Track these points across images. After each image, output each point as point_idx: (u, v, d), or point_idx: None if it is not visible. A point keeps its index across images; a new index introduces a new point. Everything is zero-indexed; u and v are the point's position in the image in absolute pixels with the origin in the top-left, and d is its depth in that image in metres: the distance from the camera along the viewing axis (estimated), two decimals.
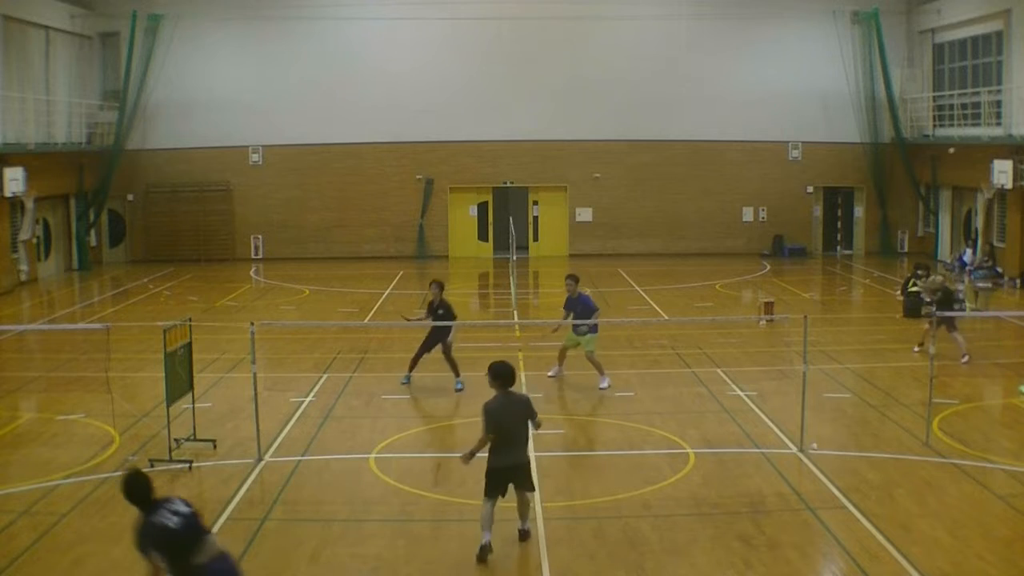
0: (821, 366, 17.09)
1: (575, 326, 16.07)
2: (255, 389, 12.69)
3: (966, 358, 17.40)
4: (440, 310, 16.03)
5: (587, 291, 17.18)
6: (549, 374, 16.83)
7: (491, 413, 9.60)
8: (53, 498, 11.26)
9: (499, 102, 34.30)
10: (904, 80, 34.10)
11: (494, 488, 9.58)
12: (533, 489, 10.07)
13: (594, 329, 16.19)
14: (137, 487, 7.22)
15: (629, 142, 34.87)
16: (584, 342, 16.20)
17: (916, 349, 18.54)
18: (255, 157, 34.70)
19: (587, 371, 17.20)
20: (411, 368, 16.36)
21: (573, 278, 16.53)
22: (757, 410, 14.72)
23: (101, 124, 33.06)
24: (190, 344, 12.99)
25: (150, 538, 6.98)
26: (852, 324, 22.97)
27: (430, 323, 15.98)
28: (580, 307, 16.20)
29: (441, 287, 16.24)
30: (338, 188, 34.88)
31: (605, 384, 16.11)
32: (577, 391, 16.15)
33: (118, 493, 11.27)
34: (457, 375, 16.08)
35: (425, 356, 16.28)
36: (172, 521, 7.03)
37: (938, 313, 15.43)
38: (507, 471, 9.60)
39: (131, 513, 10.73)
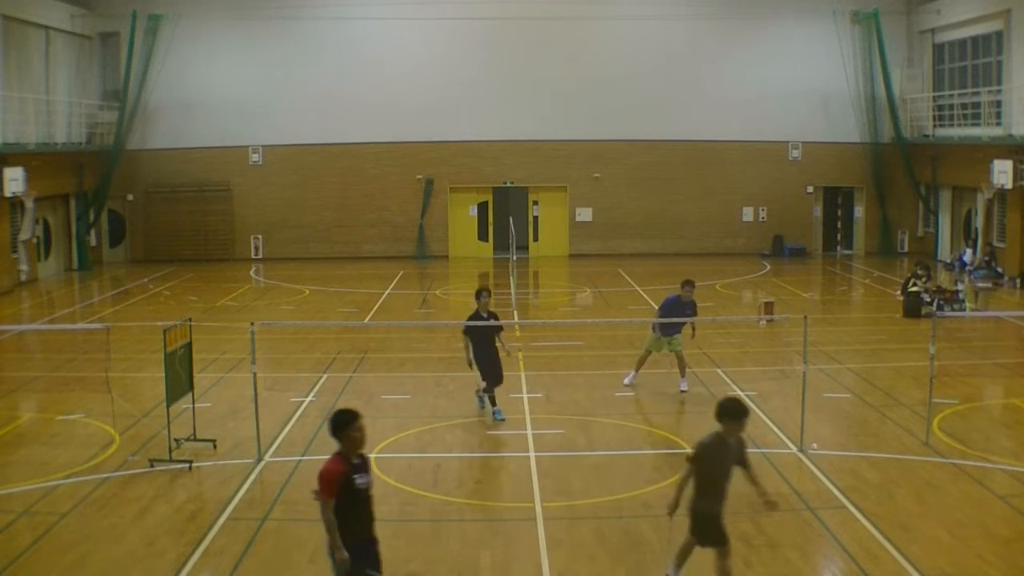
0: (821, 366, 17.09)
1: (664, 328, 15.55)
2: (255, 389, 12.68)
3: None
4: (492, 319, 14.59)
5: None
6: (625, 381, 16.26)
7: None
8: (53, 498, 11.26)
9: (499, 102, 34.30)
10: (904, 80, 34.09)
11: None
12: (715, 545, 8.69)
13: (679, 328, 15.85)
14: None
15: (629, 142, 34.88)
16: (674, 343, 15.86)
17: None
18: (255, 157, 34.70)
19: (586, 371, 17.23)
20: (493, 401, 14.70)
21: (691, 284, 15.98)
22: (757, 410, 14.70)
23: (101, 124, 33.06)
24: (190, 344, 12.99)
25: None
26: (852, 324, 22.96)
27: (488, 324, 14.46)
28: (690, 311, 15.83)
29: (484, 295, 14.58)
30: (338, 188, 34.88)
31: (686, 387, 15.85)
32: (577, 391, 16.14)
33: (118, 492, 11.39)
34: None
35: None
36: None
37: (939, 314, 15.45)
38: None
39: (131, 513, 10.81)
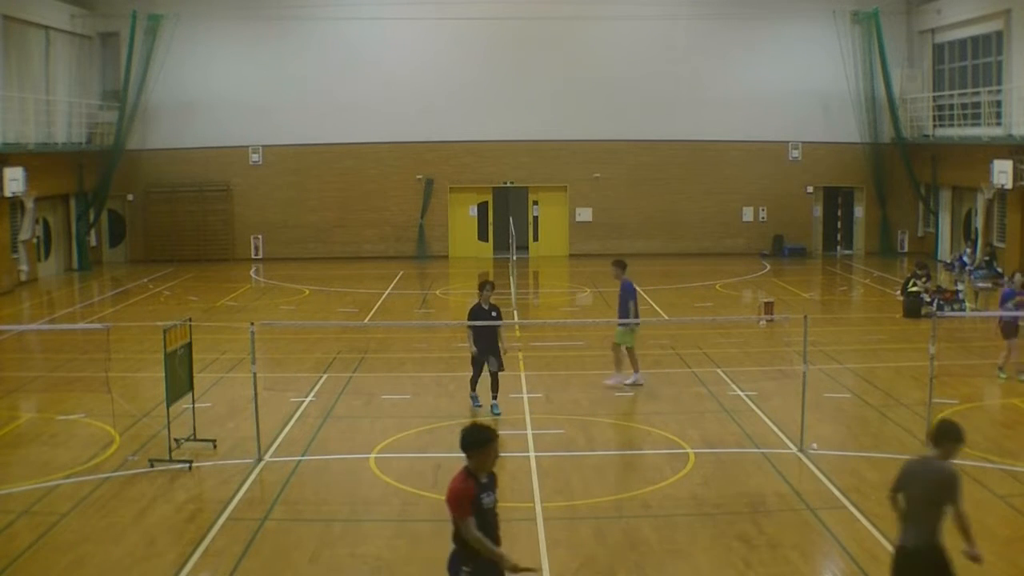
0: (821, 366, 17.08)
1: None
2: (255, 389, 12.69)
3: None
4: (493, 312, 14.86)
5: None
6: (627, 382, 16.22)
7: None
8: (53, 498, 11.26)
9: (499, 102, 34.29)
10: (904, 80, 34.08)
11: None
12: None
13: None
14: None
15: (629, 142, 34.87)
16: (616, 336, 16.10)
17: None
18: (255, 157, 34.70)
19: (586, 371, 17.21)
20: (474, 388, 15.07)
21: (618, 264, 16.35)
22: (757, 410, 14.72)
23: (101, 124, 33.06)
24: (190, 344, 12.99)
25: None
26: (852, 324, 22.97)
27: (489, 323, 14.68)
28: (624, 293, 16.11)
29: (488, 287, 14.90)
30: (338, 188, 34.87)
31: (614, 381, 16.00)
32: (577, 391, 16.14)
33: (118, 492, 11.39)
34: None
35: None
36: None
37: (939, 314, 15.43)
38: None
39: (131, 513, 10.81)
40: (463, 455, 7.02)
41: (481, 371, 14.75)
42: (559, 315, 24.11)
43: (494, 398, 14.75)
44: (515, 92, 34.19)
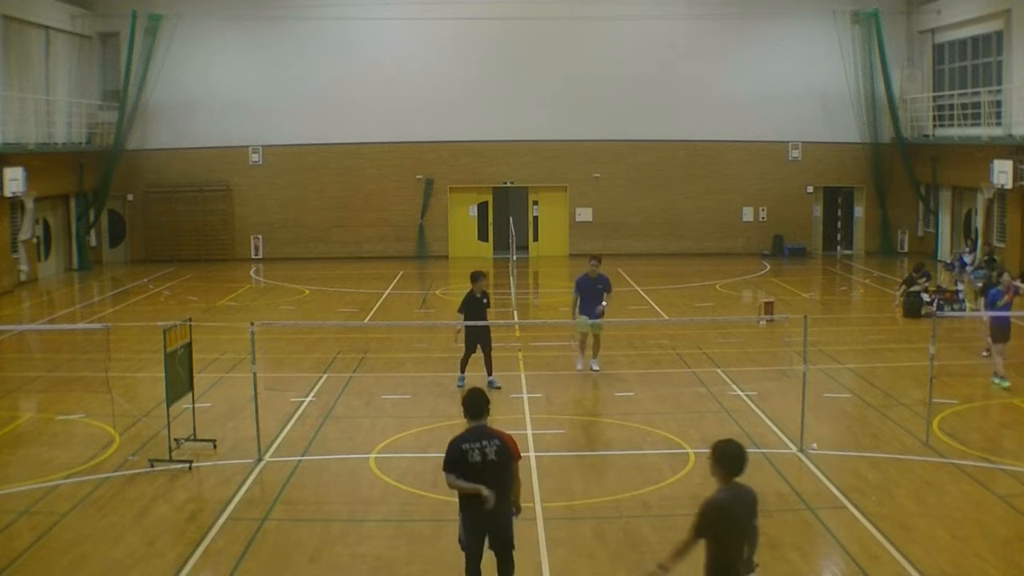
0: (821, 366, 17.08)
1: (591, 311, 16.72)
2: (255, 389, 12.69)
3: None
4: (484, 299, 16.05)
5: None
6: (582, 367, 17.12)
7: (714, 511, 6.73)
8: (53, 498, 11.27)
9: (499, 102, 34.29)
10: (904, 80, 34.09)
11: None
12: None
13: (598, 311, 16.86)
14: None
15: (629, 142, 34.87)
16: (595, 327, 16.80)
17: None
18: (255, 157, 34.70)
19: (586, 371, 17.19)
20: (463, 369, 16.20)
21: (597, 259, 17.44)
22: (757, 410, 14.72)
23: (101, 124, 33.06)
24: (190, 344, 12.99)
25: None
26: (852, 324, 22.96)
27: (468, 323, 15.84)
28: (603, 286, 17.03)
29: (480, 277, 16.09)
30: (338, 188, 34.88)
31: (597, 366, 17.07)
32: (577, 391, 16.15)
33: (118, 492, 11.39)
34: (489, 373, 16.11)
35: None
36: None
37: (938, 314, 15.43)
38: None
39: (131, 513, 10.82)
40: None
41: (472, 351, 15.93)
42: (559, 315, 24.06)
43: (490, 374, 15.97)
44: (515, 92, 34.19)
